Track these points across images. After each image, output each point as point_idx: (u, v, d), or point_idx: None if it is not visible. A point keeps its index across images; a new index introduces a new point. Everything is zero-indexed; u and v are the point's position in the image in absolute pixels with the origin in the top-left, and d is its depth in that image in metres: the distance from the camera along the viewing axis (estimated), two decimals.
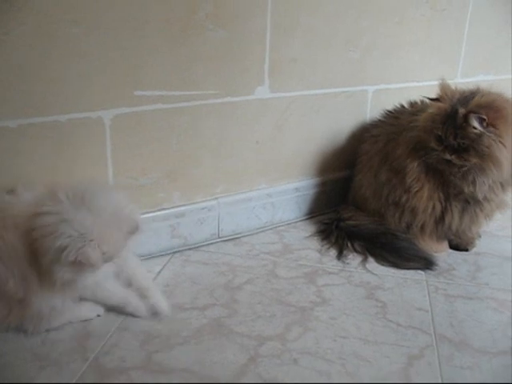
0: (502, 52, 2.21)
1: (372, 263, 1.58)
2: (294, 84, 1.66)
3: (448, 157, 1.47)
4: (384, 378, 1.12)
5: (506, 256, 1.66)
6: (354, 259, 1.60)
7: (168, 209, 1.53)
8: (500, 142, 1.43)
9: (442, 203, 1.58)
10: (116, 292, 1.27)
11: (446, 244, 1.69)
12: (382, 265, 1.57)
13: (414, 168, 1.56)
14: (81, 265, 1.09)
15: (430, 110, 1.52)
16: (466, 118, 1.43)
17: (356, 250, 1.63)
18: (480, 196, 1.54)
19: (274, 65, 1.59)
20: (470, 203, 1.57)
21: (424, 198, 1.57)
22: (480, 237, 1.74)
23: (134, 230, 1.16)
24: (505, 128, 1.44)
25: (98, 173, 1.41)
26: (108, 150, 1.40)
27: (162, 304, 1.29)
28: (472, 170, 1.48)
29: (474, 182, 1.50)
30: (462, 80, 2.11)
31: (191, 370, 1.12)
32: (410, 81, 1.95)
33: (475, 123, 1.42)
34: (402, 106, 1.75)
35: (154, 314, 1.28)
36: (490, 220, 1.66)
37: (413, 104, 1.74)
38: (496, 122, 1.43)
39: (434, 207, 1.58)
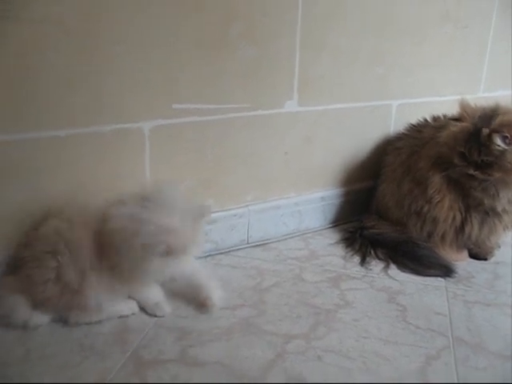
0: None
1: (394, 270, 1.65)
2: (322, 99, 1.75)
3: (472, 172, 1.54)
4: (402, 375, 1.20)
5: None
6: (376, 266, 1.67)
7: None
8: None
9: (462, 214, 1.64)
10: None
11: (465, 253, 1.75)
12: (404, 271, 1.63)
13: (435, 180, 1.63)
14: (169, 254, 1.23)
15: (453, 129, 1.57)
16: (489, 136, 1.50)
17: (378, 257, 1.70)
18: (499, 208, 1.61)
19: (303, 80, 1.68)
20: (489, 214, 1.63)
21: (445, 208, 1.63)
22: (499, 247, 1.80)
23: (205, 213, 1.32)
24: None
25: (137, 181, 1.50)
26: (147, 159, 1.50)
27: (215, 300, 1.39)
28: (494, 184, 1.55)
29: (494, 195, 1.57)
30: (484, 95, 2.18)
31: (223, 363, 1.20)
32: (433, 95, 2.02)
33: (499, 141, 1.49)
34: (426, 120, 1.82)
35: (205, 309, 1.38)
36: (509, 231, 1.72)
37: (436, 118, 1.81)
38: None
39: (454, 217, 1.64)
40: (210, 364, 1.20)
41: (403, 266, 1.65)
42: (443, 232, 1.66)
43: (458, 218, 1.64)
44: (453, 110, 1.74)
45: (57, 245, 1.26)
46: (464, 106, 1.59)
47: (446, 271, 1.62)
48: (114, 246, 1.24)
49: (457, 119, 1.59)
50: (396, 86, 1.91)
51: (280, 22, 1.59)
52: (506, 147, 1.49)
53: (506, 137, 1.49)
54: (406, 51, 1.89)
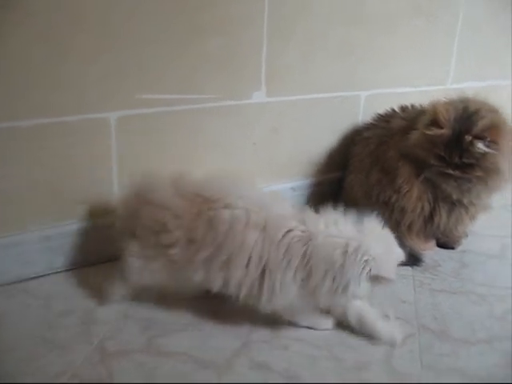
0: (493, 58, 2.29)
1: None
2: (290, 89, 1.75)
3: (451, 172, 1.54)
4: (367, 362, 1.21)
5: (490, 254, 1.74)
6: None
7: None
8: (501, 154, 1.52)
9: (430, 204, 1.65)
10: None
11: (433, 242, 1.77)
12: None
13: (404, 170, 1.64)
14: (376, 280, 1.20)
15: (428, 132, 1.55)
16: (471, 142, 1.50)
17: None
18: (465, 201, 1.63)
19: (270, 71, 1.67)
20: (456, 205, 1.65)
21: (413, 198, 1.64)
22: (467, 236, 1.82)
23: (400, 259, 1.26)
24: (504, 141, 1.52)
25: (103, 171, 1.50)
26: (113, 149, 1.49)
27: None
28: (471, 182, 1.57)
29: (465, 191, 1.59)
30: (453, 86, 2.19)
31: (189, 354, 1.21)
32: (402, 86, 2.02)
33: (481, 146, 1.50)
34: (394, 110, 1.81)
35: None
36: (475, 221, 1.74)
37: (404, 109, 1.81)
38: (496, 138, 1.51)
39: (422, 207, 1.65)
40: (175, 354, 1.21)
41: None
42: (410, 222, 1.66)
43: (427, 208, 1.65)
44: (421, 101, 1.77)
45: None
46: (438, 108, 1.56)
47: (413, 260, 1.64)
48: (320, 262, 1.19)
49: (433, 123, 1.56)
50: (365, 76, 1.92)
51: (247, 11, 1.58)
52: (488, 149, 1.51)
53: (488, 141, 1.50)
54: (376, 42, 1.90)
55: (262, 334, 1.29)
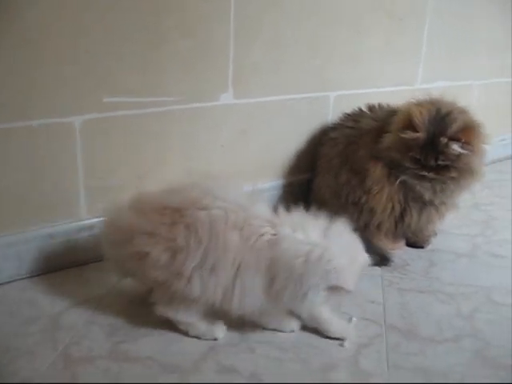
0: (460, 59, 2.32)
1: None
2: (258, 91, 1.75)
3: (426, 174, 1.56)
4: (334, 364, 1.21)
5: (459, 253, 1.75)
6: None
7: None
8: (474, 154, 1.55)
9: (401, 204, 1.66)
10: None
11: (402, 242, 1.78)
12: None
13: (375, 170, 1.64)
14: (335, 290, 1.19)
15: (403, 135, 1.55)
16: (446, 144, 1.52)
17: None
18: (437, 201, 1.65)
19: (238, 73, 1.67)
20: (427, 205, 1.66)
21: (383, 199, 1.65)
22: (436, 234, 1.83)
23: (365, 266, 1.26)
24: (477, 141, 1.56)
25: (69, 175, 1.48)
26: (78, 154, 1.47)
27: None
28: (444, 182, 1.58)
29: (438, 192, 1.61)
30: (422, 86, 2.21)
31: (154, 359, 1.19)
32: (371, 87, 2.04)
33: (456, 147, 1.52)
34: (361, 110, 1.82)
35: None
36: (443, 219, 1.75)
37: (371, 108, 1.81)
38: (470, 139, 1.53)
39: (393, 208, 1.66)
40: (141, 359, 1.19)
41: None
42: (379, 222, 1.67)
43: (397, 208, 1.66)
44: (391, 101, 1.79)
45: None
46: (412, 113, 1.56)
47: (382, 260, 1.64)
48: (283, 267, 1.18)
49: (407, 126, 1.56)
50: (333, 77, 1.93)
51: (213, 12, 1.58)
52: (463, 151, 1.53)
53: (463, 142, 1.52)
54: (344, 42, 1.91)
55: (229, 337, 1.28)
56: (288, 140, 1.89)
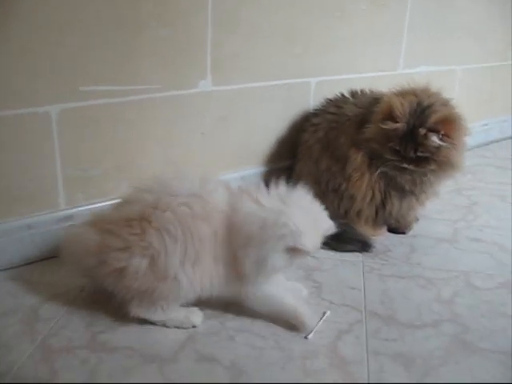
0: (442, 44, 2.31)
1: None
2: (237, 77, 1.74)
3: (406, 165, 1.56)
4: (314, 350, 1.21)
5: (440, 238, 1.76)
6: None
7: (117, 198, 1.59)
8: (454, 147, 1.55)
9: (381, 192, 1.66)
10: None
11: (384, 229, 1.78)
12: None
13: (356, 158, 1.64)
14: (295, 252, 1.20)
15: (384, 126, 1.55)
16: (425, 135, 1.52)
17: None
18: (417, 191, 1.65)
19: (216, 59, 1.66)
20: (407, 194, 1.67)
21: (363, 186, 1.65)
22: (418, 220, 1.84)
23: (329, 231, 1.29)
24: (457, 134, 1.56)
25: (46, 166, 1.47)
26: (55, 144, 1.46)
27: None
28: (424, 174, 1.59)
29: (418, 183, 1.62)
30: (404, 71, 2.21)
31: (133, 348, 1.19)
32: (352, 72, 2.03)
33: (435, 139, 1.52)
34: (343, 96, 1.82)
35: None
36: (424, 206, 1.76)
37: (353, 94, 1.81)
38: (450, 131, 1.54)
39: (373, 195, 1.66)
40: (120, 349, 1.19)
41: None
42: (359, 209, 1.67)
43: (378, 196, 1.67)
44: (373, 86, 1.80)
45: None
46: (393, 104, 1.56)
47: (363, 246, 1.64)
48: (243, 237, 1.21)
49: (388, 117, 1.56)
50: (314, 63, 1.92)
51: (191, 1, 1.56)
52: (442, 143, 1.53)
53: (442, 134, 1.53)
54: (324, 28, 1.90)
55: (208, 325, 1.28)
56: (269, 127, 1.89)
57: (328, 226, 1.28)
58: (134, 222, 1.20)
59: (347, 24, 1.95)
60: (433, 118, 1.53)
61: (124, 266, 1.19)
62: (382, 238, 1.74)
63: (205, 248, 1.20)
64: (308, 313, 1.29)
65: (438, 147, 1.53)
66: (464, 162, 1.63)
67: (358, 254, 1.63)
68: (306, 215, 1.23)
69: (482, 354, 1.22)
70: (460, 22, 2.35)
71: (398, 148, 1.56)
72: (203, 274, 1.21)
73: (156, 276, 1.19)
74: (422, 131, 1.52)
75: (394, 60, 2.18)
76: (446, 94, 1.64)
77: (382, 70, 2.13)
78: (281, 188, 1.28)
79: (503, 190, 2.18)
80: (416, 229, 1.81)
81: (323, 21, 1.88)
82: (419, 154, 1.55)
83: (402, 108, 1.55)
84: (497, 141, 2.80)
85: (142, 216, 1.20)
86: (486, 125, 2.71)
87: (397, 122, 1.54)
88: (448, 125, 1.54)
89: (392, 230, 1.79)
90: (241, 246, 1.20)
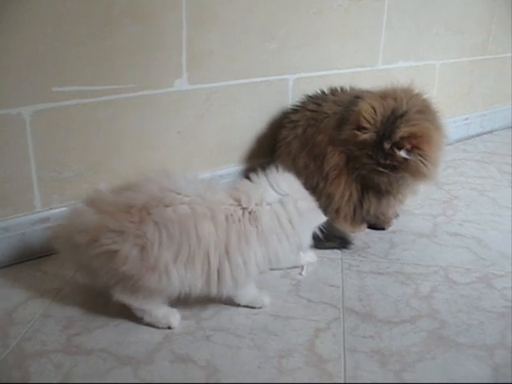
0: (421, 39, 2.31)
1: None
2: (213, 76, 1.72)
3: (381, 169, 1.56)
4: (290, 349, 1.21)
5: (419, 233, 1.76)
6: None
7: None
8: (425, 159, 1.53)
9: (359, 192, 1.66)
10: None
11: (363, 225, 1.77)
12: None
13: (333, 156, 1.64)
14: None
15: (360, 135, 1.55)
16: (392, 149, 1.52)
17: None
18: (394, 191, 1.66)
19: (192, 58, 1.65)
20: (384, 193, 1.67)
21: (341, 185, 1.65)
22: (398, 216, 1.84)
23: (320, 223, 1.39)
24: (428, 147, 1.53)
25: (21, 168, 1.45)
26: (30, 145, 1.44)
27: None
28: (401, 178, 1.59)
29: (397, 184, 1.62)
30: (383, 67, 2.21)
31: (108, 351, 1.18)
32: (331, 68, 2.03)
33: (401, 154, 1.51)
34: (323, 93, 1.81)
35: None
36: (403, 204, 1.77)
37: (333, 92, 1.80)
38: (420, 144, 1.51)
39: (351, 195, 1.66)
40: (95, 351, 1.19)
41: None
42: (338, 207, 1.67)
43: (355, 195, 1.66)
44: (353, 83, 1.80)
45: None
46: (362, 113, 1.55)
47: (342, 243, 1.64)
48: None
49: (360, 126, 1.56)
50: (292, 60, 1.91)
51: None
52: (409, 156, 1.52)
53: (408, 148, 1.51)
54: (301, 24, 1.89)
55: (184, 325, 1.27)
56: (247, 124, 1.88)
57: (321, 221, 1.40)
58: (134, 209, 1.19)
59: (324, 20, 1.95)
60: (398, 134, 1.50)
61: (116, 248, 1.18)
62: (361, 235, 1.74)
63: (206, 247, 1.20)
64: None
65: (407, 159, 1.52)
66: (437, 172, 1.62)
67: (337, 251, 1.63)
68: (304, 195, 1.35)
69: (458, 348, 1.22)
70: (439, 16, 2.35)
71: (371, 154, 1.55)
72: (195, 273, 1.20)
73: (145, 265, 1.18)
74: (387, 146, 1.52)
75: (373, 56, 2.17)
76: (427, 91, 1.64)
77: (360, 66, 2.13)
78: (271, 175, 1.35)
79: (483, 184, 2.18)
80: (396, 224, 1.81)
81: (300, 17, 1.88)
82: (389, 162, 1.54)
83: (371, 116, 1.54)
84: (478, 135, 2.81)
85: (143, 206, 1.20)
86: (467, 119, 2.72)
87: (365, 132, 1.54)
88: (416, 139, 1.51)
89: (372, 226, 1.79)
90: (272, 236, 1.26)
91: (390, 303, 1.39)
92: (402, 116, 1.53)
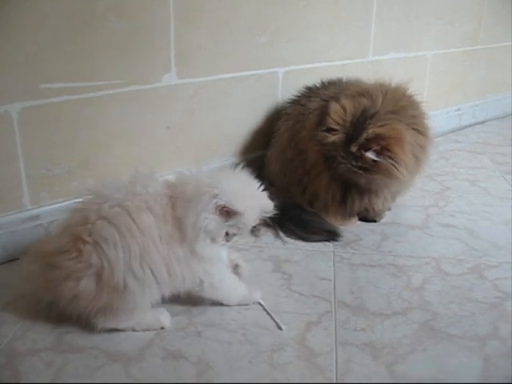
0: (411, 30, 2.31)
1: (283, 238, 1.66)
2: (202, 70, 1.71)
3: (356, 170, 1.53)
4: (282, 343, 1.21)
5: (411, 224, 1.76)
6: (266, 235, 1.67)
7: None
8: (396, 162, 1.48)
9: (341, 189, 1.65)
10: (238, 286, 1.33)
11: (354, 218, 1.77)
12: (290, 238, 1.63)
13: (313, 154, 1.63)
14: (227, 215, 1.21)
15: (329, 136, 1.53)
16: (359, 151, 1.49)
17: (267, 224, 1.63)
18: (374, 189, 1.64)
19: (180, 52, 1.64)
20: (366, 192, 1.65)
21: (323, 184, 1.64)
22: (390, 209, 1.83)
23: (268, 211, 1.29)
24: (399, 149, 1.48)
25: (9, 166, 1.44)
26: (18, 143, 1.43)
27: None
28: (376, 179, 1.56)
29: (375, 184, 1.59)
30: (374, 58, 2.20)
31: (99, 348, 1.18)
32: (321, 61, 2.02)
33: (370, 155, 1.47)
34: (322, 84, 1.80)
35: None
36: (393, 200, 1.77)
37: (331, 83, 1.78)
38: (389, 146, 1.47)
39: (334, 192, 1.65)
40: (86, 349, 1.18)
41: (289, 232, 1.65)
42: (324, 203, 1.67)
43: (338, 193, 1.66)
44: (342, 75, 1.79)
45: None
46: (331, 114, 1.53)
47: (331, 235, 1.63)
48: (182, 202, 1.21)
49: (330, 128, 1.54)
50: (281, 52, 1.90)
51: None
52: (378, 158, 1.48)
53: (378, 150, 1.47)
54: (291, 17, 1.88)
55: (175, 321, 1.27)
56: (238, 118, 1.87)
57: (267, 204, 1.29)
58: (68, 246, 1.18)
59: (314, 13, 1.94)
60: (364, 135, 1.47)
61: (75, 293, 1.17)
62: (352, 227, 1.73)
63: (152, 237, 1.17)
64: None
65: (377, 161, 1.48)
66: (412, 178, 1.61)
67: (328, 243, 1.62)
68: (242, 186, 1.25)
69: (449, 340, 1.22)
70: (429, 6, 2.34)
71: (343, 155, 1.53)
72: (155, 265, 1.18)
73: (107, 290, 1.17)
74: (354, 148, 1.49)
75: (364, 47, 2.16)
76: (417, 81, 1.63)
77: (351, 57, 2.12)
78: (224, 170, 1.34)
79: (476, 174, 2.18)
80: (388, 216, 1.81)
81: (288, 11, 1.86)
82: (360, 164, 1.51)
83: (340, 118, 1.52)
84: (470, 125, 2.80)
85: (75, 237, 1.18)
86: (459, 109, 2.71)
87: (334, 134, 1.52)
88: (384, 141, 1.47)
89: (363, 219, 1.78)
90: (182, 213, 1.20)
91: (382, 296, 1.38)
92: (371, 116, 1.50)
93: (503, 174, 2.19)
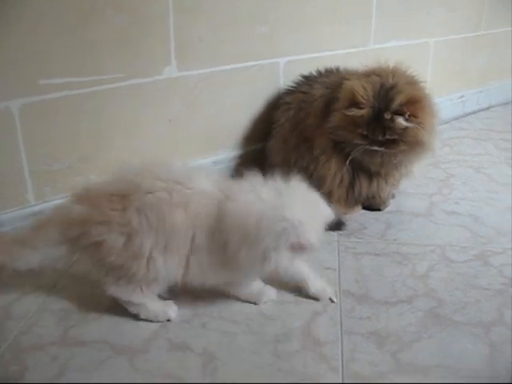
0: (413, 17, 2.29)
1: None
2: (202, 62, 1.71)
3: (376, 148, 1.54)
4: (286, 333, 1.21)
5: (416, 212, 1.75)
6: None
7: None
8: (422, 127, 1.53)
9: (350, 175, 1.66)
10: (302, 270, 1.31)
11: (358, 206, 1.76)
12: None
13: (322, 140, 1.63)
14: (299, 248, 1.15)
15: (349, 113, 1.54)
16: (392, 119, 1.51)
17: None
18: (383, 173, 1.65)
19: (180, 45, 1.63)
20: (375, 176, 1.66)
21: (332, 169, 1.64)
22: (394, 197, 1.83)
23: (328, 220, 1.23)
24: (423, 114, 1.54)
25: (12, 162, 1.45)
26: (19, 139, 1.44)
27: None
28: (395, 155, 1.57)
29: (389, 164, 1.60)
30: (375, 46, 2.19)
31: (105, 341, 1.19)
32: (322, 50, 2.01)
33: (401, 121, 1.50)
34: (319, 73, 1.80)
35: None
36: (397, 186, 1.76)
37: (327, 72, 1.78)
38: (416, 111, 1.52)
39: (342, 178, 1.65)
40: (91, 342, 1.19)
41: None
42: (330, 190, 1.66)
43: (346, 178, 1.66)
44: (345, 64, 1.79)
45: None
46: (355, 90, 1.54)
47: (336, 224, 1.61)
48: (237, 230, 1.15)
49: (352, 104, 1.54)
50: (282, 43, 1.89)
51: None
52: (409, 124, 1.51)
53: (406, 117, 1.51)
54: (290, 7, 1.87)
55: (180, 313, 1.27)
56: (240, 109, 1.87)
57: (327, 214, 1.24)
58: (116, 198, 1.19)
59: (315, 1, 1.92)
60: (397, 101, 1.51)
61: (102, 239, 1.17)
62: (357, 216, 1.73)
63: (176, 238, 1.17)
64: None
65: (405, 128, 1.52)
66: (434, 140, 1.61)
67: (333, 233, 1.62)
68: (302, 207, 1.18)
69: (455, 326, 1.22)
70: None
71: (366, 133, 1.54)
72: (173, 262, 1.19)
73: (131, 254, 1.17)
74: (388, 115, 1.51)
75: (365, 36, 2.15)
76: (420, 68, 1.63)
77: (352, 46, 2.11)
78: (277, 180, 1.24)
79: (480, 161, 2.17)
80: (392, 204, 1.80)
81: (289, 1, 1.85)
82: (388, 137, 1.53)
83: (364, 92, 1.53)
84: (474, 112, 2.78)
85: (124, 193, 1.19)
86: (463, 96, 2.69)
87: (361, 107, 1.52)
88: (413, 105, 1.52)
89: (367, 207, 1.78)
90: (232, 239, 1.16)
91: (387, 284, 1.38)
92: (392, 88, 1.53)
93: (508, 160, 2.17)
